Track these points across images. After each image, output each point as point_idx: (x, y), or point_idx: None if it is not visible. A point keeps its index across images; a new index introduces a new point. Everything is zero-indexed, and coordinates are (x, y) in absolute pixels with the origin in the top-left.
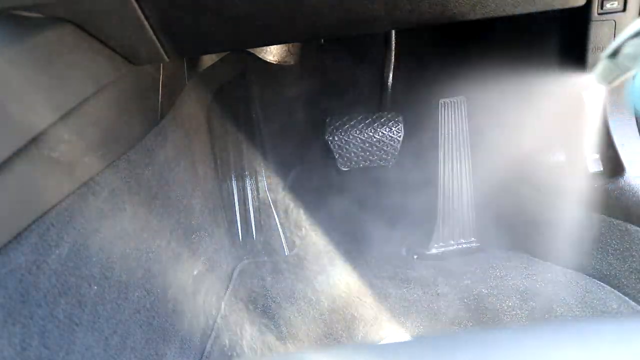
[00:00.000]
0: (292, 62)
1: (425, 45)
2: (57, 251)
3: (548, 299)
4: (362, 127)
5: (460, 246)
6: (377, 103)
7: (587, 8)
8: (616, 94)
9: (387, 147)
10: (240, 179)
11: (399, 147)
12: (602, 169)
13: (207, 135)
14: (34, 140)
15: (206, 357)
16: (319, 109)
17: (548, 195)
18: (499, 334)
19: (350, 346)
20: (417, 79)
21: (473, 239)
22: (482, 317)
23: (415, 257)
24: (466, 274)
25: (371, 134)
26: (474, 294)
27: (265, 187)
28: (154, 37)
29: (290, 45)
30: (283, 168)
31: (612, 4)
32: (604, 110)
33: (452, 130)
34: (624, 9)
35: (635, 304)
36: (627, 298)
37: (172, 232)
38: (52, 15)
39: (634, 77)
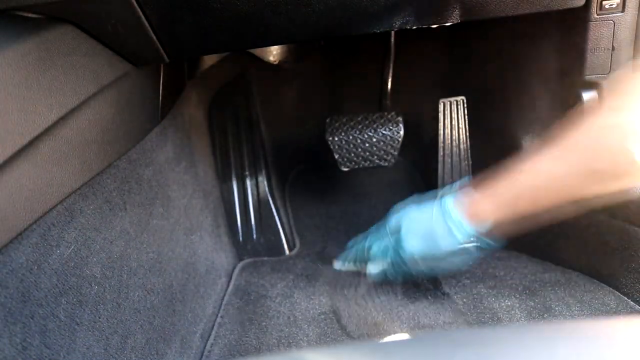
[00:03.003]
0: (292, 62)
1: (425, 45)
2: (58, 251)
3: (547, 299)
4: (362, 127)
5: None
6: (377, 103)
7: (586, 9)
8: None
9: (387, 147)
10: (241, 178)
11: (399, 147)
12: None
13: (208, 135)
14: (34, 140)
15: (206, 357)
16: (319, 109)
17: None
18: (497, 333)
19: (350, 345)
20: (417, 79)
21: (472, 238)
22: (481, 316)
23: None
24: (465, 274)
25: (371, 134)
26: (472, 294)
27: (266, 187)
28: (154, 38)
29: (291, 45)
30: (283, 168)
31: (611, 5)
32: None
33: (452, 130)
34: (623, 10)
35: (634, 304)
36: (626, 298)
37: (172, 232)
38: (52, 15)
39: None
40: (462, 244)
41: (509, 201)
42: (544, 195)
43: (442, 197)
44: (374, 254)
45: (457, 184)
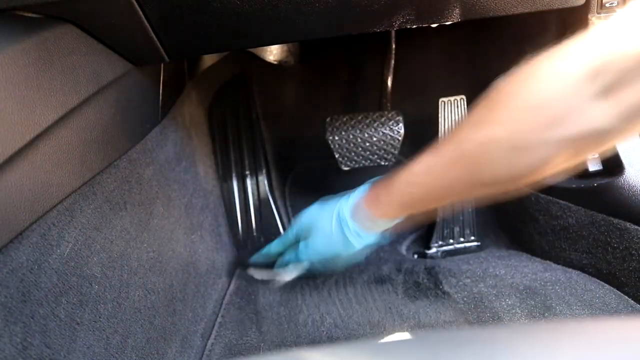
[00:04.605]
0: (292, 62)
1: (425, 44)
2: (59, 250)
3: (547, 298)
4: (363, 127)
5: (460, 245)
6: (377, 103)
7: (586, 8)
8: None
9: (388, 146)
10: (241, 178)
11: (399, 146)
12: (601, 168)
13: (208, 134)
14: (34, 140)
15: (207, 356)
16: (319, 108)
17: (548, 194)
18: (498, 333)
19: (349, 344)
20: (417, 78)
21: (473, 238)
22: (482, 315)
23: (415, 256)
24: (466, 273)
25: (372, 133)
26: (473, 293)
27: (266, 187)
28: (154, 37)
29: (290, 45)
30: (283, 167)
31: (612, 3)
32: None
33: (452, 129)
34: None
35: (635, 303)
36: (626, 297)
37: (172, 231)
38: (52, 15)
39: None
40: (359, 250)
41: (403, 208)
42: (436, 199)
43: (339, 205)
44: (284, 261)
45: (355, 192)
